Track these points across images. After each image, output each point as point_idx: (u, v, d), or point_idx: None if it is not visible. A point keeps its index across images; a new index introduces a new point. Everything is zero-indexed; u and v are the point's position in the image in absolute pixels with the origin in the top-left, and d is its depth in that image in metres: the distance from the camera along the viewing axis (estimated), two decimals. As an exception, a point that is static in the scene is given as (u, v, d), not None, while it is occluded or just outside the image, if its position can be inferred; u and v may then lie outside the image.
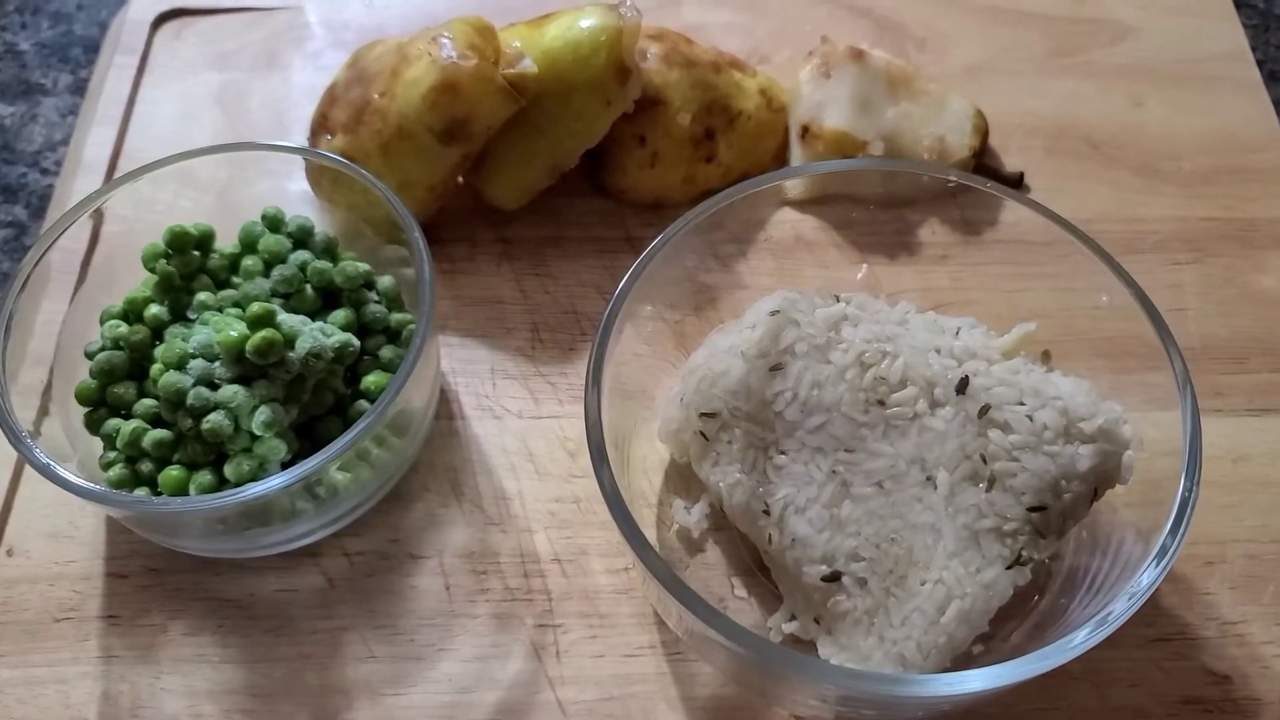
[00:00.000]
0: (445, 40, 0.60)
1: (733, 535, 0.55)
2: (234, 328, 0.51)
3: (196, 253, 0.57)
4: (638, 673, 0.52)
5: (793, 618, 0.51)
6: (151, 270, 0.56)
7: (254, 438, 0.51)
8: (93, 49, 0.83)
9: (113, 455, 0.53)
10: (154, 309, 0.55)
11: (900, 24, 0.80)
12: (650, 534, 0.55)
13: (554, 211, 0.68)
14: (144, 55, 0.76)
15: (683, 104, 0.66)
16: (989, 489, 0.47)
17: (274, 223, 0.59)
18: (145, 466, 0.52)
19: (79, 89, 0.81)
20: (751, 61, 0.73)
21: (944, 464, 0.48)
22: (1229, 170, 0.71)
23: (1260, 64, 0.77)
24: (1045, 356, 0.54)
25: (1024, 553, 0.47)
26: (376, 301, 0.58)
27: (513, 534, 0.56)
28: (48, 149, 0.78)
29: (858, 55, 0.68)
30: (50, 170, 0.77)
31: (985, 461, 0.48)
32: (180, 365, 0.51)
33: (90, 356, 0.54)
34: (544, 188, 0.66)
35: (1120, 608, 0.43)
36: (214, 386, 0.51)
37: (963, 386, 0.49)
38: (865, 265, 0.63)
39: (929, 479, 0.48)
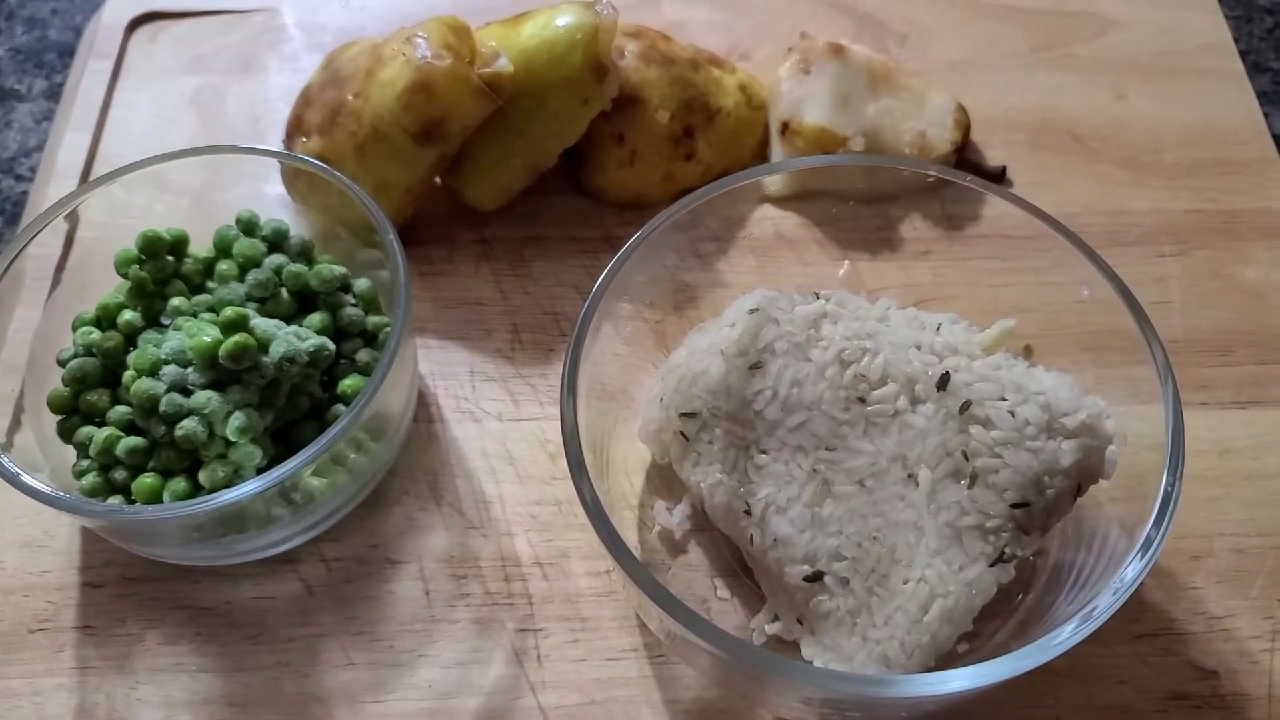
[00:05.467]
0: (420, 40, 0.60)
1: (715, 536, 0.55)
2: (207, 333, 0.51)
3: (170, 258, 0.56)
4: (620, 676, 0.52)
5: (776, 619, 0.51)
6: (125, 276, 0.55)
7: (228, 444, 0.50)
8: (67, 54, 0.83)
9: (86, 463, 0.52)
10: (127, 315, 0.54)
11: (881, 19, 0.79)
12: (631, 536, 0.54)
13: (533, 212, 0.67)
14: (119, 59, 0.76)
15: (661, 102, 0.65)
16: (971, 486, 0.47)
17: (248, 226, 0.58)
18: (119, 474, 0.51)
19: (54, 94, 0.80)
20: (731, 58, 0.73)
21: (925, 461, 0.48)
22: (1213, 162, 0.71)
23: (1243, 55, 0.77)
24: (1027, 351, 0.54)
25: (1007, 550, 0.46)
26: (353, 305, 0.57)
27: (493, 538, 0.56)
28: (22, 155, 0.78)
29: (838, 51, 0.68)
30: (25, 177, 0.76)
31: (967, 458, 0.47)
32: (153, 371, 0.51)
33: (63, 364, 0.53)
34: (522, 188, 0.65)
35: (1105, 602, 0.42)
36: (187, 393, 0.50)
37: (944, 383, 0.48)
38: (847, 261, 0.63)
39: (910, 476, 0.48)
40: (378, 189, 0.61)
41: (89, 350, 0.53)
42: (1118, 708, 0.51)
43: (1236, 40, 0.77)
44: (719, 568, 0.54)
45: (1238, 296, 0.64)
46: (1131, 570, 0.43)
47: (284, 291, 0.56)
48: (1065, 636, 0.42)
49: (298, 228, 0.60)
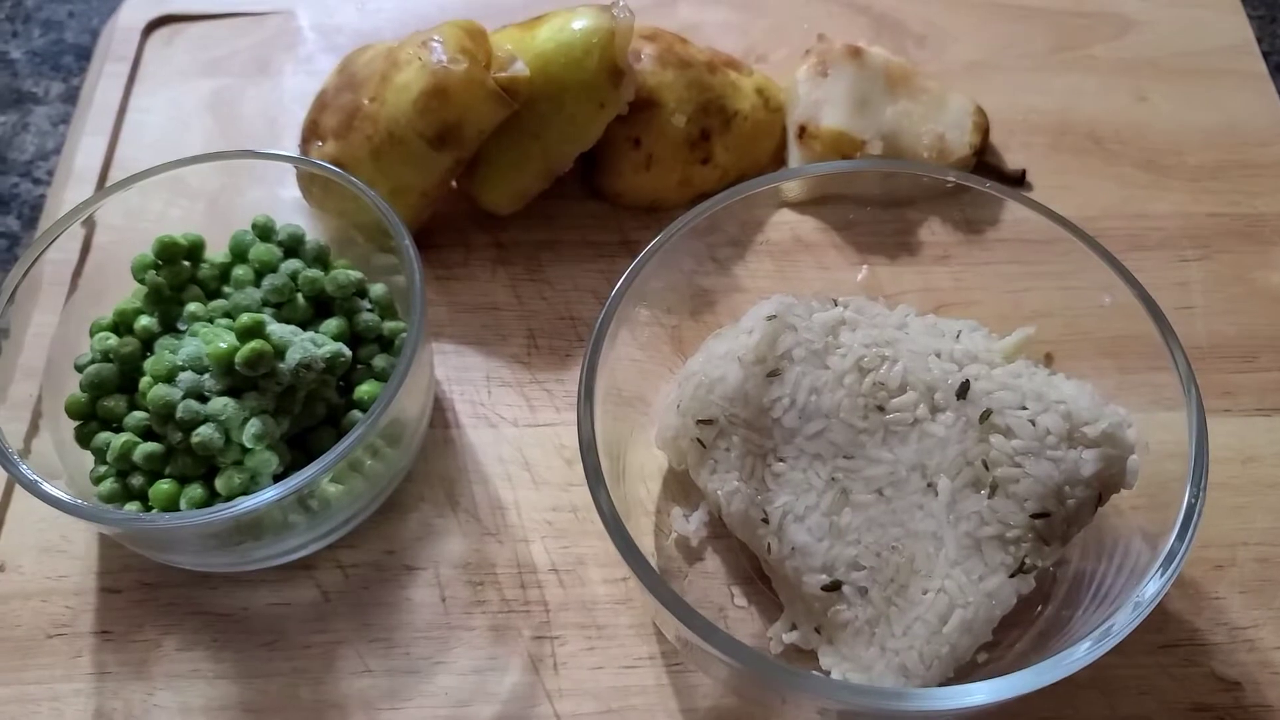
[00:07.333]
0: (436, 44, 0.60)
1: (732, 543, 0.54)
2: (223, 339, 0.51)
3: (186, 263, 0.56)
4: (637, 684, 0.52)
5: (793, 627, 0.50)
6: (141, 281, 0.55)
7: (245, 450, 0.50)
8: (84, 57, 0.83)
9: (103, 469, 0.52)
10: (144, 320, 0.54)
11: (899, 21, 0.79)
12: (648, 543, 0.54)
13: (549, 216, 0.67)
14: (135, 63, 0.76)
15: (678, 105, 0.65)
16: (991, 495, 0.46)
17: (264, 231, 0.58)
18: (136, 480, 0.51)
19: (71, 97, 0.80)
20: (748, 61, 0.73)
21: (945, 470, 0.47)
22: (1235, 165, 0.70)
23: (1266, 56, 0.76)
24: (1048, 359, 0.54)
25: (1027, 560, 0.46)
26: (369, 310, 0.57)
27: (509, 544, 0.56)
28: (40, 158, 0.78)
29: (855, 53, 0.68)
30: (42, 180, 0.76)
31: (987, 467, 0.47)
32: (169, 378, 0.51)
33: (80, 369, 0.53)
34: (538, 192, 0.65)
35: (1124, 619, 0.42)
36: (203, 399, 0.50)
37: (964, 391, 0.48)
38: (865, 266, 0.62)
39: (930, 486, 0.47)
40: (393, 193, 0.61)
41: (106, 356, 0.53)
42: (1139, 719, 0.50)
43: (1260, 40, 0.77)
44: (736, 575, 0.54)
45: (1261, 301, 0.64)
46: (1152, 586, 0.43)
47: (300, 297, 0.56)
48: (1082, 654, 0.41)
49: (314, 232, 0.60)
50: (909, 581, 0.47)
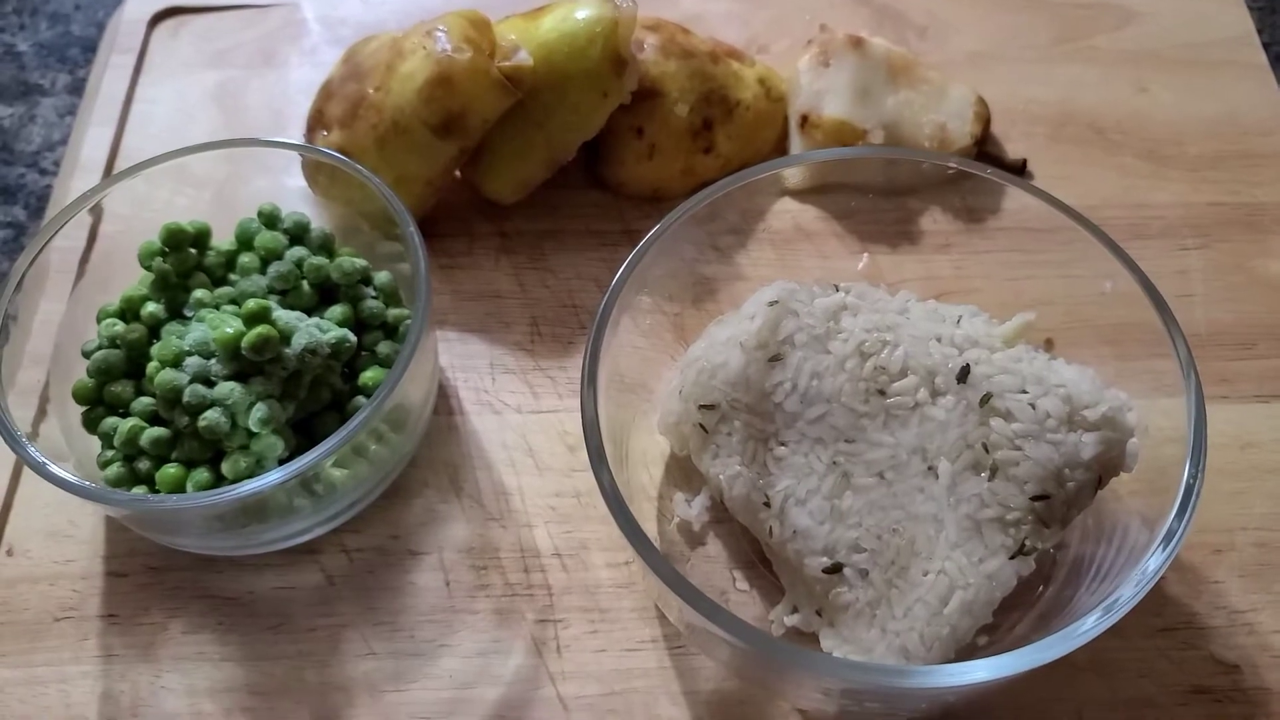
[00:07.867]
0: (440, 33, 0.60)
1: (734, 528, 0.55)
2: (229, 324, 0.51)
3: (193, 250, 0.56)
4: (639, 667, 0.52)
5: (795, 610, 0.51)
6: (148, 268, 0.56)
7: (251, 434, 0.51)
8: (90, 49, 0.83)
9: (110, 454, 0.53)
10: (150, 307, 0.55)
11: (900, 11, 0.79)
12: (651, 528, 0.54)
13: (552, 205, 0.68)
14: (141, 54, 0.76)
15: (680, 95, 0.65)
16: (991, 478, 0.47)
17: (270, 219, 0.58)
18: (143, 464, 0.52)
19: (77, 89, 0.81)
20: (750, 51, 0.73)
21: (945, 453, 0.48)
22: (1236, 155, 0.70)
23: (1267, 47, 0.76)
24: (1048, 344, 0.54)
25: (1027, 542, 0.46)
26: (374, 297, 0.57)
27: (513, 529, 0.56)
28: (46, 149, 0.78)
29: (857, 43, 0.68)
30: (49, 170, 0.77)
31: (987, 450, 0.47)
32: (176, 363, 0.51)
33: (87, 355, 0.54)
34: (541, 181, 0.65)
35: (1128, 593, 0.42)
36: (210, 384, 0.51)
37: (964, 375, 0.48)
38: (866, 254, 0.63)
39: (930, 469, 0.48)
40: (398, 182, 0.61)
41: (113, 342, 0.54)
42: (1139, 701, 0.51)
43: (1260, 32, 0.77)
44: (738, 559, 0.54)
45: (1261, 289, 0.64)
46: (1154, 561, 0.43)
47: (305, 284, 0.56)
48: (1088, 628, 0.42)
49: (319, 220, 0.60)
50: (909, 564, 0.47)
